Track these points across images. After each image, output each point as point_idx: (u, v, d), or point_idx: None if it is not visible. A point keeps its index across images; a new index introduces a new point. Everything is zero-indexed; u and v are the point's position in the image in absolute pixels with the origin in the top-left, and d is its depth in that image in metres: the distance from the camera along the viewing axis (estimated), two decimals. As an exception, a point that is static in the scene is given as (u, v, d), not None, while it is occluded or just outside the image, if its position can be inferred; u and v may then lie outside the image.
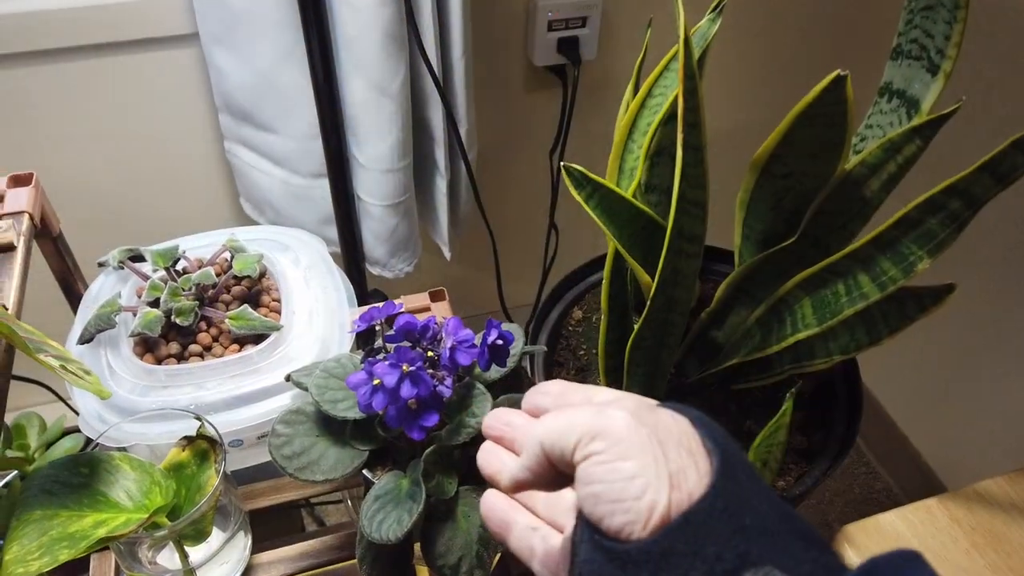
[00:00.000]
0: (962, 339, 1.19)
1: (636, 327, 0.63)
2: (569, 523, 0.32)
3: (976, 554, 0.65)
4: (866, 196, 0.60)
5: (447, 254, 1.10)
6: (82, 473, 0.46)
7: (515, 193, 1.24)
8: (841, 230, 0.63)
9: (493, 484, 0.35)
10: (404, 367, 0.45)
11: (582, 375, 0.80)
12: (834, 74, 0.51)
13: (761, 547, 0.24)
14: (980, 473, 1.22)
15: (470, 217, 1.10)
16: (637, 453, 0.26)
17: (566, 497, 0.34)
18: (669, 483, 0.25)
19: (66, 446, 0.70)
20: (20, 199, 0.63)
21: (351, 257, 1.02)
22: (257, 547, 0.58)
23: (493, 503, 0.35)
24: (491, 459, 0.35)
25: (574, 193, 0.60)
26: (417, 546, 0.49)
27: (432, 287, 0.69)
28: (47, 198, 0.68)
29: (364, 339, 0.51)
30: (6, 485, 0.69)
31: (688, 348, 0.75)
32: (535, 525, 0.34)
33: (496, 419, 0.36)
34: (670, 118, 0.63)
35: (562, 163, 0.59)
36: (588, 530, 0.27)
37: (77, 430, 0.72)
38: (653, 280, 0.60)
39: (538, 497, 0.35)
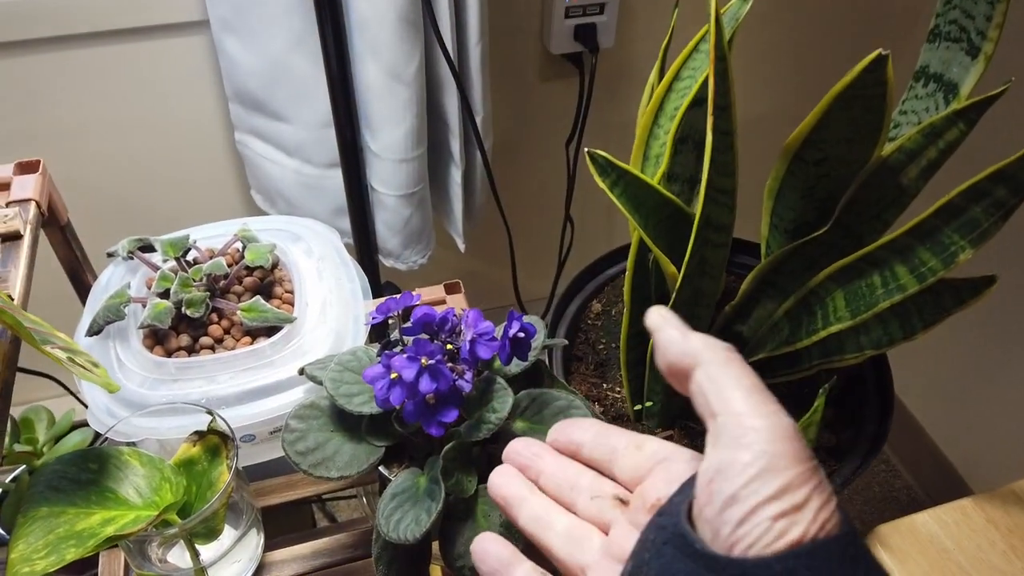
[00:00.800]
0: (982, 333, 1.16)
1: (661, 320, 0.60)
2: (613, 517, 0.30)
3: (1014, 557, 0.62)
4: (903, 184, 0.57)
5: (461, 246, 1.08)
6: (91, 469, 0.45)
7: (530, 184, 1.22)
8: (875, 219, 0.60)
9: (505, 512, 0.32)
10: (423, 360, 0.43)
11: (602, 369, 0.78)
12: (875, 54, 0.48)
13: None
14: (1003, 470, 1.20)
15: (484, 208, 1.08)
16: (791, 467, 0.24)
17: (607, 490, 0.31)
18: (813, 512, 0.24)
19: (75, 440, 0.69)
20: (27, 187, 0.62)
21: (364, 248, 1.01)
22: (269, 544, 0.56)
23: (487, 548, 0.31)
24: (509, 482, 0.32)
25: (598, 180, 0.57)
26: (435, 545, 0.47)
27: (445, 280, 0.67)
28: (55, 186, 0.66)
29: (378, 332, 0.49)
30: (14, 480, 0.68)
31: (711, 342, 0.72)
32: (540, 572, 0.31)
33: (526, 446, 0.33)
34: (697, 103, 0.61)
35: (586, 150, 0.57)
36: (680, 538, 0.25)
37: (86, 424, 0.71)
38: (679, 271, 0.58)
39: (582, 488, 0.31)
